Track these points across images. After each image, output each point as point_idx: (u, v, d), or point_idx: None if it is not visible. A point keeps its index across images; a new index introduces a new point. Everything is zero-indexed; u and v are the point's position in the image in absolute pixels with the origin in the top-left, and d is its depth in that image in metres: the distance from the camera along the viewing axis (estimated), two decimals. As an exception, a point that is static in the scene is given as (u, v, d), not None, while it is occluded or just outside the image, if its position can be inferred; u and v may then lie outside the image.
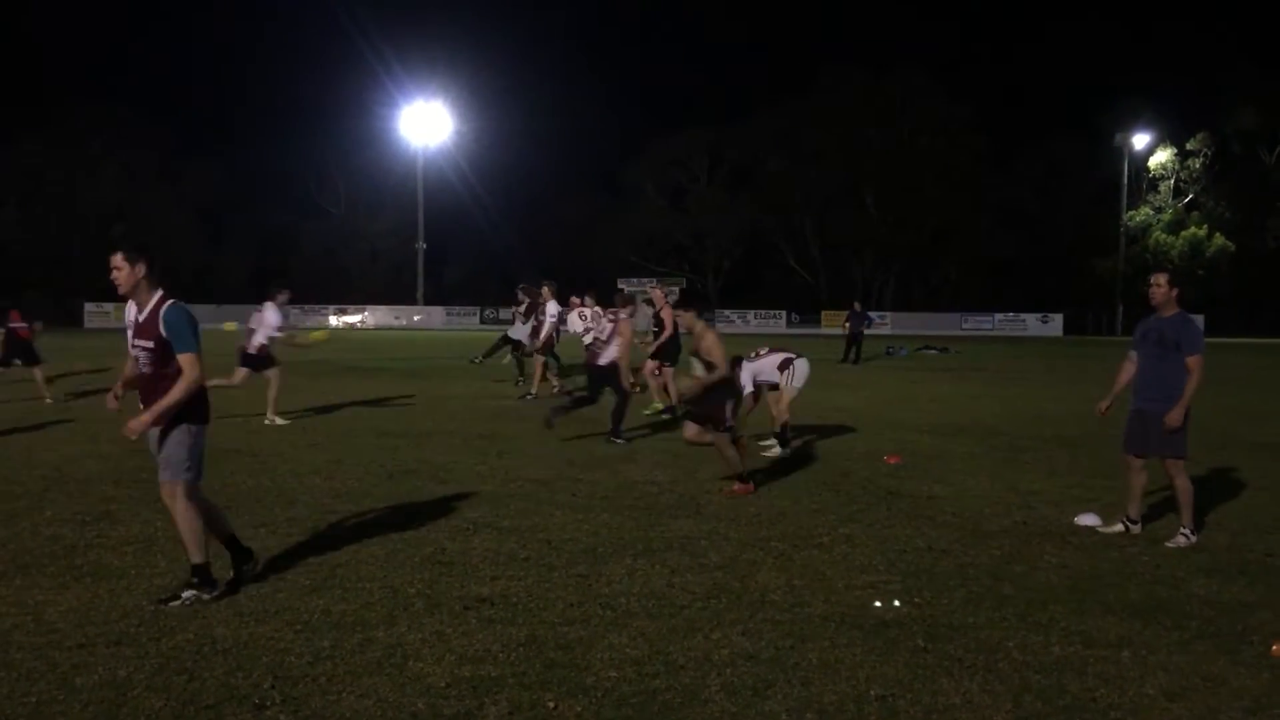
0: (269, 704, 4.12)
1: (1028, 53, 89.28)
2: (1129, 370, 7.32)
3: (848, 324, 28.97)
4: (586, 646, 4.80)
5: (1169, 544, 6.93)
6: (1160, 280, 7.12)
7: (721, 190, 72.11)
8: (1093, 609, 5.49)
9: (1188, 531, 7.00)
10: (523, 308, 18.09)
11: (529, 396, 15.98)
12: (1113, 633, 5.12)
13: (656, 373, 14.43)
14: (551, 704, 4.16)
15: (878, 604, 5.53)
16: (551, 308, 16.13)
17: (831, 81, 68.18)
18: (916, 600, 5.59)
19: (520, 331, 18.06)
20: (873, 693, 4.31)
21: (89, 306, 57.10)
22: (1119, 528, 7.29)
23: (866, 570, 6.20)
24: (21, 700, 4.13)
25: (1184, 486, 7.03)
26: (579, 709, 4.12)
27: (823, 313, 62.20)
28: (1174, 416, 6.88)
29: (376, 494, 8.34)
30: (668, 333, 14.11)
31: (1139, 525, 7.31)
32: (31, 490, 8.25)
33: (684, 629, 5.07)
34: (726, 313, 62.36)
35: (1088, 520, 7.55)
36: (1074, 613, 5.42)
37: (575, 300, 16.44)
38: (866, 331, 29.17)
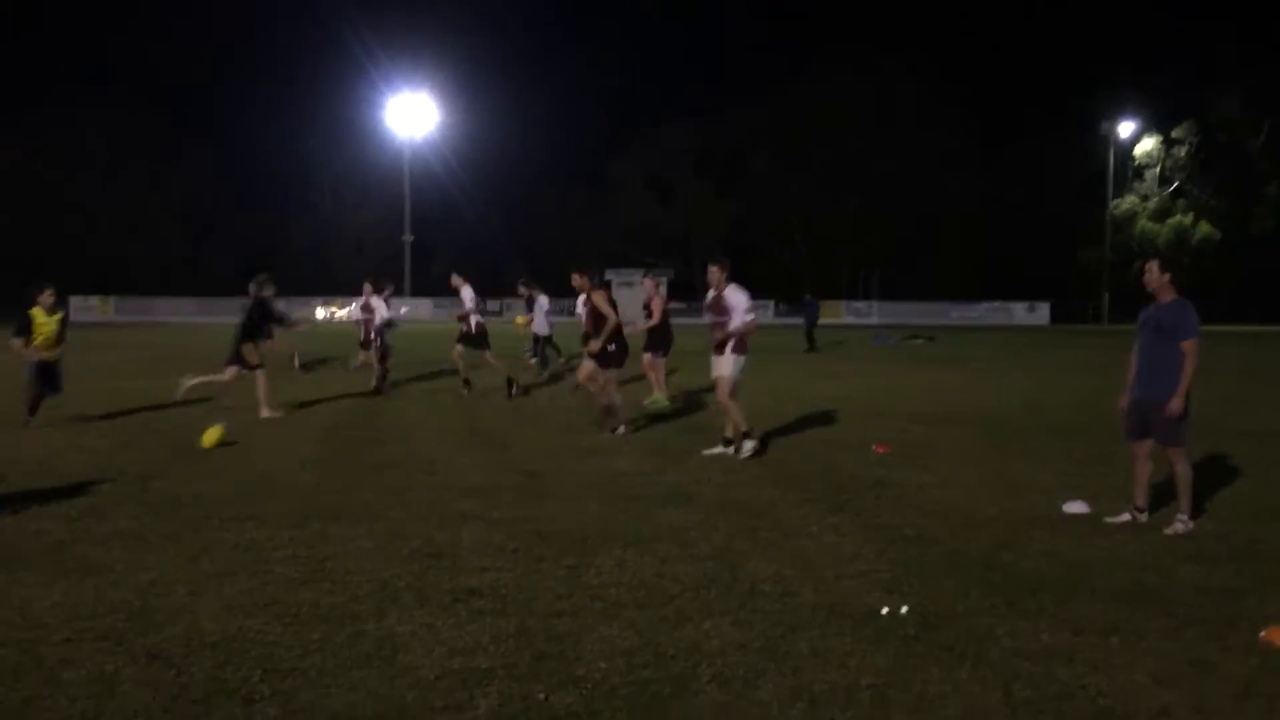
0: (258, 697, 4.11)
1: (1014, 45, 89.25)
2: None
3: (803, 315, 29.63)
4: (576, 638, 4.79)
5: (1166, 530, 6.93)
6: (1151, 266, 7.12)
7: (709, 184, 72.05)
8: (1081, 596, 5.51)
9: (1185, 518, 7.00)
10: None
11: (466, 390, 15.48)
12: (1101, 620, 5.13)
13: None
14: (542, 696, 4.15)
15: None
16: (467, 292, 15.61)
17: (819, 75, 68.18)
18: (906, 589, 5.60)
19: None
20: (864, 682, 4.31)
21: (74, 300, 56.83)
22: (1126, 517, 7.25)
23: (856, 560, 6.21)
24: (8, 695, 4.10)
25: (1183, 473, 7.02)
26: (569, 700, 4.11)
27: (811, 303, 62.26)
28: (1174, 406, 6.87)
29: (364, 486, 8.31)
30: (655, 320, 14.07)
31: (1146, 514, 7.27)
32: (17, 485, 8.19)
33: (674, 619, 5.07)
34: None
35: (1076, 508, 7.56)
36: (1063, 600, 5.43)
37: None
38: (813, 321, 29.70)
